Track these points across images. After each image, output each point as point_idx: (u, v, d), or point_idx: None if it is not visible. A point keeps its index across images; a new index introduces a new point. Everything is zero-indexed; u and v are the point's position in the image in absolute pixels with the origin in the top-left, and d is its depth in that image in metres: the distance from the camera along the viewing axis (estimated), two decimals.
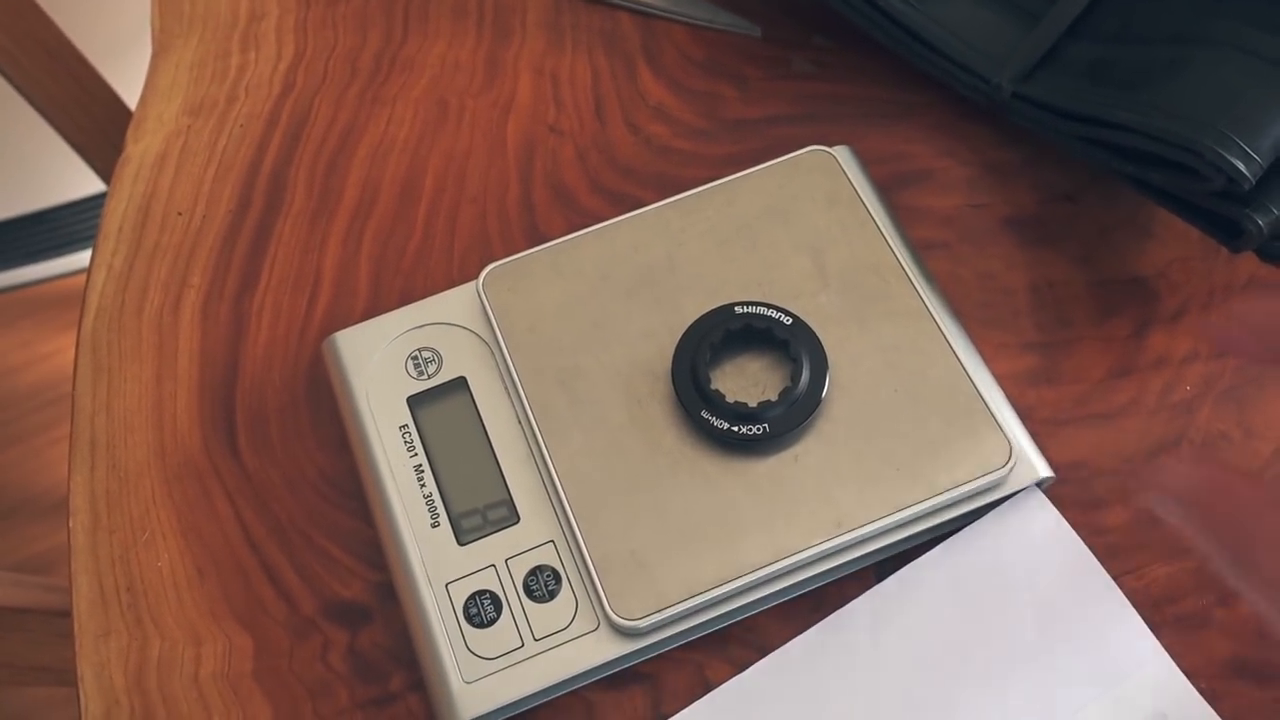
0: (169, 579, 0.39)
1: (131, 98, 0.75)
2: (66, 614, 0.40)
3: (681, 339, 0.38)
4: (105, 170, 0.73)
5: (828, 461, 0.36)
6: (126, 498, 0.41)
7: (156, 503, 0.41)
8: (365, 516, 0.40)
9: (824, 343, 0.37)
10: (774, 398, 0.36)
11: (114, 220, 0.46)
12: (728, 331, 0.38)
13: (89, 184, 1.24)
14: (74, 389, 0.43)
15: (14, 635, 0.48)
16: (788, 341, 0.37)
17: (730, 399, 0.37)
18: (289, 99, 0.48)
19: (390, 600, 0.38)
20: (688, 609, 0.35)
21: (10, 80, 0.66)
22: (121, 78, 0.79)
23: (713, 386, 0.37)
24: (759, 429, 0.36)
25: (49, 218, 1.33)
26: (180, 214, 0.46)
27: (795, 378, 0.36)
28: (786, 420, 0.36)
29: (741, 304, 0.38)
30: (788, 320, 0.38)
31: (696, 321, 0.38)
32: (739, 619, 0.37)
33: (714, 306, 0.38)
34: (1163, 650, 0.36)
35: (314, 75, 0.49)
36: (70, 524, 0.41)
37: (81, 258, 1.36)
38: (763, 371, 0.38)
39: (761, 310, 0.38)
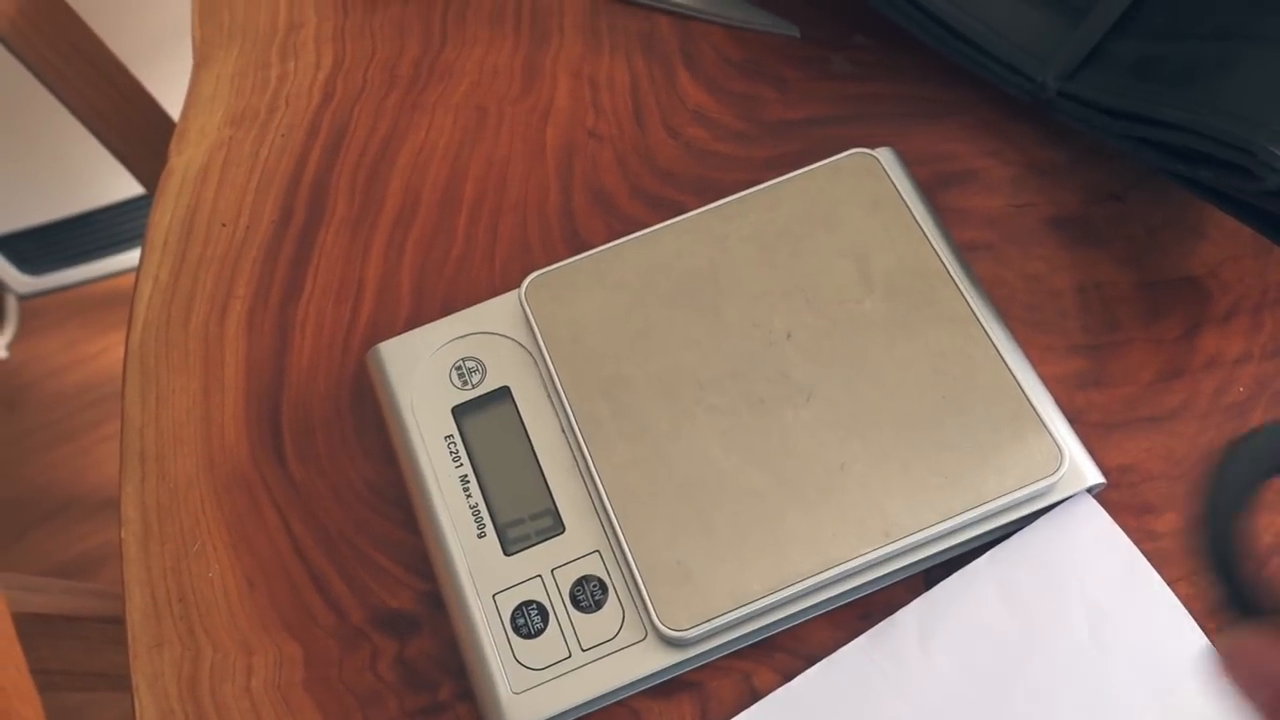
0: (219, 589, 0.40)
1: (171, 103, 0.75)
2: (119, 620, 0.41)
3: (1219, 475, 0.25)
4: (147, 177, 0.74)
5: (875, 470, 0.36)
6: (177, 509, 0.41)
7: (206, 514, 0.41)
8: (412, 526, 0.40)
9: (870, 350, 0.37)
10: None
11: (159, 233, 0.46)
12: None
13: (132, 186, 1.25)
14: (123, 401, 0.43)
15: (70, 642, 0.49)
16: None
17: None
18: (329, 108, 0.49)
19: (438, 609, 0.38)
20: (735, 619, 0.35)
21: (52, 90, 0.66)
22: (161, 84, 0.80)
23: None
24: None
25: (93, 220, 1.34)
26: (224, 225, 0.46)
27: None
28: None
29: None
30: None
31: (1244, 442, 0.25)
32: (786, 627, 0.37)
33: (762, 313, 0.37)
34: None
35: (353, 84, 0.49)
36: (122, 534, 0.41)
37: (126, 258, 1.37)
38: None
39: None
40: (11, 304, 1.39)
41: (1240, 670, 0.22)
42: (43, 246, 1.36)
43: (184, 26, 0.53)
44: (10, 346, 1.38)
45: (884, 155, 0.42)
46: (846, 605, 0.37)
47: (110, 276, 1.40)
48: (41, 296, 1.41)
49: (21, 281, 1.37)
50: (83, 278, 1.40)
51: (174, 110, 0.51)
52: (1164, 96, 0.39)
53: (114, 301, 1.41)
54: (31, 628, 0.49)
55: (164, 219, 0.47)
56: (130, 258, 1.37)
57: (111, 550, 0.37)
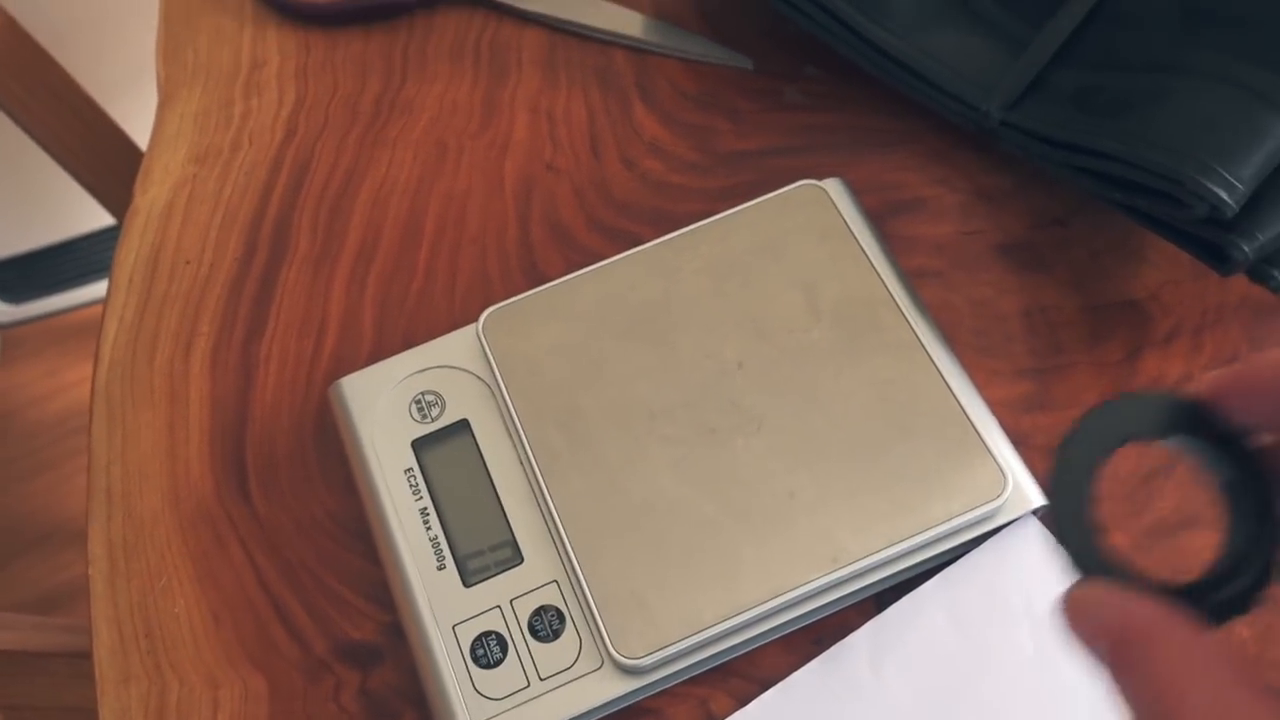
0: (185, 624, 0.40)
1: (140, 135, 0.76)
2: (88, 655, 0.41)
3: (1079, 429, 0.25)
4: (117, 208, 0.75)
5: (823, 497, 0.37)
6: (143, 545, 0.42)
7: (172, 549, 0.42)
8: (375, 557, 0.40)
9: (818, 378, 0.38)
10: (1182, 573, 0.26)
11: (124, 272, 0.47)
12: (1154, 428, 0.25)
13: (104, 216, 1.26)
14: (90, 439, 0.44)
15: (38, 679, 0.49)
16: (1251, 494, 0.25)
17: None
18: (291, 144, 0.49)
19: (400, 640, 0.39)
20: (689, 646, 0.35)
21: (22, 126, 0.67)
22: (130, 115, 0.80)
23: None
24: None
25: (72, 248, 1.35)
26: (188, 263, 0.47)
27: (1241, 551, 0.25)
28: (1205, 610, 0.24)
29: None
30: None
31: (1104, 408, 0.26)
32: (741, 653, 0.37)
33: (714, 343, 0.38)
34: None
35: (315, 120, 0.50)
36: (89, 571, 0.42)
37: (100, 288, 1.38)
38: None
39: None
40: None
41: (1080, 622, 0.23)
42: (22, 275, 1.36)
43: (152, 58, 0.53)
44: None
45: (831, 186, 0.43)
46: (799, 630, 0.38)
47: (90, 304, 1.41)
48: (22, 325, 1.41)
49: (2, 310, 1.38)
50: (63, 305, 1.40)
51: (143, 141, 0.52)
52: (1100, 127, 0.40)
53: (94, 329, 1.41)
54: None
55: (129, 257, 0.48)
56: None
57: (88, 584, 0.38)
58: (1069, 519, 0.25)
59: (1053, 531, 0.25)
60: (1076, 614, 0.23)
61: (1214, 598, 0.24)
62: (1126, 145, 0.38)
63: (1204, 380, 0.24)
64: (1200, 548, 0.38)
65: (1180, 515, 0.39)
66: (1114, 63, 0.41)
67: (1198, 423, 0.25)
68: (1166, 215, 0.38)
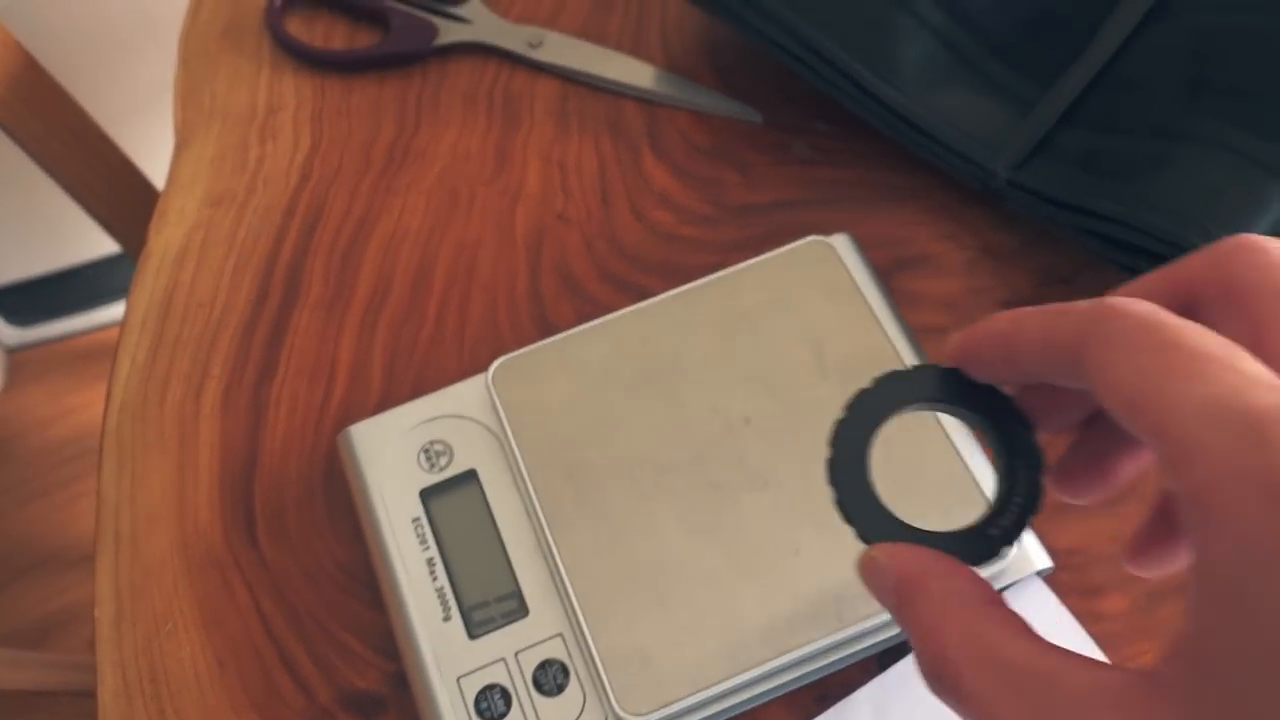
0: (190, 670, 0.40)
1: (148, 162, 0.77)
2: (93, 694, 0.41)
3: (850, 410, 0.29)
4: (128, 240, 0.75)
5: (828, 555, 0.37)
6: (150, 589, 0.42)
7: (179, 593, 0.42)
8: (380, 606, 0.41)
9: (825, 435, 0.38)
10: (955, 521, 0.29)
11: (137, 313, 0.48)
12: (917, 399, 0.29)
13: (113, 242, 1.27)
14: (99, 480, 0.44)
15: (41, 717, 0.50)
16: (996, 430, 0.29)
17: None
18: (305, 189, 0.50)
19: (405, 690, 0.39)
20: (693, 704, 0.35)
21: (37, 161, 0.68)
22: (144, 146, 0.81)
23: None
24: None
25: (81, 274, 1.36)
26: (201, 306, 0.48)
27: (1004, 495, 0.28)
28: (972, 552, 0.28)
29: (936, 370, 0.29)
30: (1010, 409, 0.29)
31: (875, 385, 0.29)
32: (743, 710, 0.37)
33: (722, 398, 0.38)
34: None
35: (329, 166, 0.51)
36: (96, 614, 0.42)
37: (112, 311, 1.38)
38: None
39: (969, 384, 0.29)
40: None
41: (872, 580, 0.26)
42: (29, 299, 1.37)
43: (167, 86, 0.54)
44: None
45: (839, 242, 0.43)
46: (803, 687, 0.38)
47: (96, 329, 1.41)
48: (27, 349, 1.42)
49: (9, 334, 1.38)
50: (69, 330, 1.41)
51: (156, 174, 0.53)
52: (1104, 189, 0.40)
53: (99, 354, 1.42)
54: (4, 704, 0.49)
55: (142, 300, 0.48)
56: (116, 311, 1.38)
57: (89, 609, 0.38)
58: (849, 487, 0.28)
59: (835, 498, 0.28)
60: (869, 573, 0.27)
61: (985, 536, 0.27)
62: (1129, 209, 0.39)
63: (947, 348, 0.28)
64: None
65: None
66: (1119, 126, 0.41)
67: (959, 387, 0.28)
68: None
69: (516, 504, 0.40)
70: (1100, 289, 0.44)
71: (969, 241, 0.46)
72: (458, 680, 0.37)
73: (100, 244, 1.30)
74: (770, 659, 0.36)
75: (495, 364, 0.41)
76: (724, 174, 0.49)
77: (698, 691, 0.35)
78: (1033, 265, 0.46)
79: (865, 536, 0.28)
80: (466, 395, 0.42)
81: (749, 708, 0.37)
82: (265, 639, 0.41)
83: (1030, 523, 0.28)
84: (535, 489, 0.39)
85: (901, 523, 0.28)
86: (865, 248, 0.43)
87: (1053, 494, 0.29)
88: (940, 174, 0.47)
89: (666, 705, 0.35)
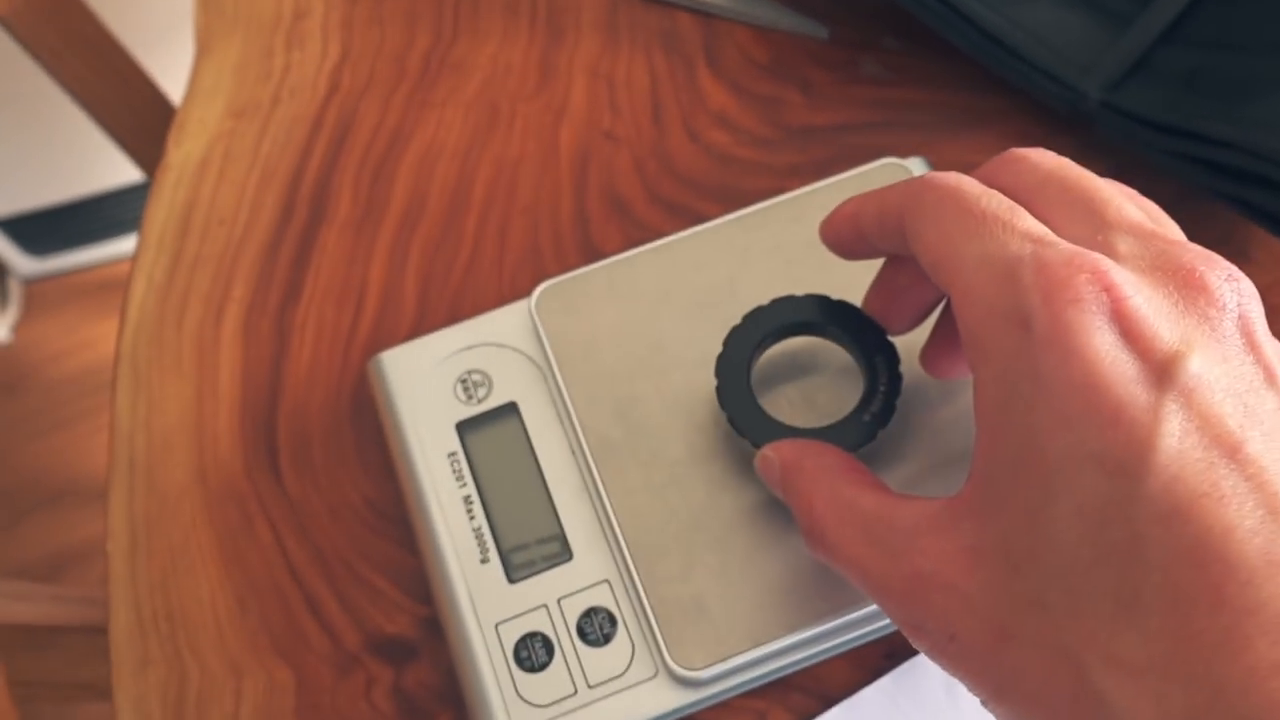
0: (209, 608, 0.38)
1: (174, 88, 0.73)
2: (104, 630, 0.39)
3: (729, 339, 0.34)
4: (149, 165, 0.72)
5: None
6: (166, 522, 0.39)
7: (197, 528, 0.39)
8: (412, 546, 0.38)
9: (904, 374, 0.35)
10: (838, 416, 0.33)
11: (154, 229, 0.44)
12: (786, 325, 0.34)
13: (133, 171, 1.24)
14: (113, 406, 0.42)
15: (52, 653, 0.47)
16: (857, 341, 0.33)
17: (782, 415, 0.34)
18: (334, 101, 0.47)
19: (437, 636, 0.36)
20: (753, 659, 0.33)
21: (55, 76, 0.64)
22: (167, 70, 0.78)
23: (760, 397, 0.34)
24: None
25: (99, 203, 1.33)
26: (222, 223, 0.44)
27: (869, 387, 0.33)
28: (850, 438, 0.32)
29: (808, 296, 0.34)
30: (861, 317, 0.34)
31: (748, 317, 0.34)
32: (805, 666, 0.35)
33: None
34: None
35: (360, 76, 0.47)
36: (108, 547, 0.39)
37: (128, 243, 1.36)
38: (825, 386, 0.35)
39: (830, 301, 0.34)
40: (15, 287, 1.37)
41: (766, 474, 0.32)
42: (46, 229, 1.34)
43: (189, 9, 0.51)
44: (14, 329, 1.36)
45: (915, 165, 0.40)
46: (870, 643, 0.35)
47: (114, 261, 1.39)
48: (44, 280, 1.39)
49: (25, 264, 1.36)
50: (86, 261, 1.38)
51: (177, 92, 0.50)
52: (1215, 112, 0.36)
53: (117, 286, 1.39)
54: (12, 638, 0.47)
55: (159, 215, 0.45)
56: (130, 243, 1.35)
57: (103, 543, 0.36)
58: (735, 397, 0.33)
59: (728, 417, 0.33)
60: (763, 468, 0.32)
61: (860, 423, 0.32)
62: (1245, 132, 0.35)
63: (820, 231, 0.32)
64: None
65: None
66: (1230, 42, 0.38)
67: (824, 306, 0.34)
68: None
69: (560, 440, 0.37)
70: (1196, 226, 0.41)
71: None
72: (496, 627, 0.34)
73: (120, 172, 1.27)
74: (837, 614, 0.33)
75: (539, 289, 0.38)
76: (785, 93, 0.45)
77: (758, 647, 0.32)
78: None
79: (756, 443, 0.33)
80: (507, 322, 0.39)
81: (811, 663, 0.35)
82: (288, 578, 0.38)
83: (895, 405, 0.33)
84: (581, 424, 0.36)
85: (786, 426, 0.33)
86: None
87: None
88: (1022, 96, 0.43)
89: (724, 659, 0.32)
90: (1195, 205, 0.41)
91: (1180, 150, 0.38)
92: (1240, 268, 0.40)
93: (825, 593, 0.33)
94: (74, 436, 1.32)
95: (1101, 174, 0.42)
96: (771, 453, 0.31)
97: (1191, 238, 0.41)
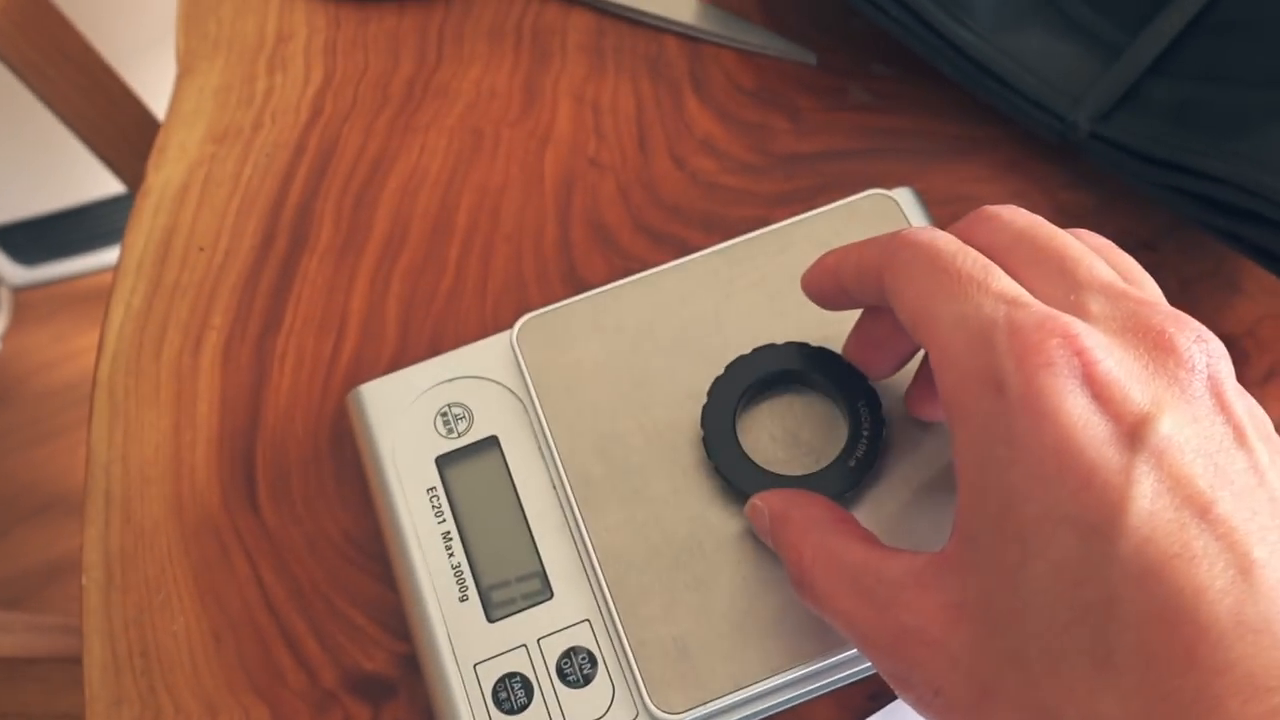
0: (184, 644, 0.37)
1: (157, 102, 0.73)
2: (81, 661, 0.38)
3: (713, 389, 0.35)
4: (131, 180, 0.72)
5: (885, 540, 0.33)
6: (142, 555, 0.39)
7: (173, 561, 0.39)
8: (391, 581, 0.37)
9: (888, 418, 0.35)
10: (824, 462, 0.34)
11: (133, 255, 0.44)
12: (769, 375, 0.35)
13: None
14: (89, 435, 0.41)
15: (29, 685, 0.47)
16: (840, 389, 0.34)
17: (767, 462, 0.34)
18: (317, 126, 0.46)
19: (416, 674, 0.36)
20: (734, 702, 0.32)
21: (37, 93, 0.64)
22: (150, 85, 0.77)
23: (745, 445, 0.34)
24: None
25: (86, 213, 1.32)
26: (202, 249, 0.44)
27: (852, 433, 0.34)
28: (835, 484, 0.33)
29: (788, 344, 0.35)
30: (842, 363, 0.35)
31: (731, 367, 0.35)
32: (788, 707, 0.34)
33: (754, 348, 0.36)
34: None
35: (343, 101, 0.47)
36: (84, 581, 0.39)
37: (114, 254, 1.35)
38: (813, 435, 0.35)
39: (810, 348, 0.35)
40: (4, 296, 1.37)
41: (756, 523, 0.32)
42: (35, 238, 1.34)
43: (173, 23, 0.50)
44: (2, 339, 1.35)
45: (902, 196, 0.39)
46: (853, 684, 0.34)
47: (104, 270, 1.38)
48: (33, 289, 1.38)
49: (14, 273, 1.35)
50: (75, 271, 1.37)
51: (161, 108, 0.49)
52: (1205, 145, 0.36)
53: (104, 296, 1.39)
54: None
55: (139, 241, 0.44)
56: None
57: None
58: (721, 447, 0.34)
59: (715, 466, 0.34)
60: (753, 517, 0.32)
61: (845, 469, 0.33)
62: (1237, 167, 0.35)
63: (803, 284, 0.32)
64: None
65: None
66: (1222, 75, 0.37)
67: (806, 355, 0.35)
68: (1277, 245, 0.35)
69: (541, 475, 0.36)
70: (1185, 257, 0.41)
71: (1040, 200, 0.42)
72: (474, 667, 0.34)
73: (109, 182, 1.26)
74: (821, 655, 0.32)
75: (520, 321, 0.38)
76: (772, 119, 0.45)
77: (740, 689, 0.32)
78: (1110, 228, 0.41)
79: (743, 492, 0.33)
80: (488, 354, 0.38)
81: (793, 705, 0.34)
82: (265, 613, 0.38)
83: (879, 451, 0.33)
84: (562, 459, 0.36)
85: (772, 474, 0.33)
86: (928, 205, 0.40)
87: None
88: (1010, 125, 0.43)
89: (705, 703, 0.32)
90: (1186, 235, 0.41)
91: (1169, 183, 0.37)
92: (1230, 300, 0.40)
93: (808, 634, 0.32)
94: (62, 447, 1.31)
95: (1092, 204, 0.42)
96: (760, 503, 0.32)
97: (1182, 268, 0.41)
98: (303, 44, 0.48)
